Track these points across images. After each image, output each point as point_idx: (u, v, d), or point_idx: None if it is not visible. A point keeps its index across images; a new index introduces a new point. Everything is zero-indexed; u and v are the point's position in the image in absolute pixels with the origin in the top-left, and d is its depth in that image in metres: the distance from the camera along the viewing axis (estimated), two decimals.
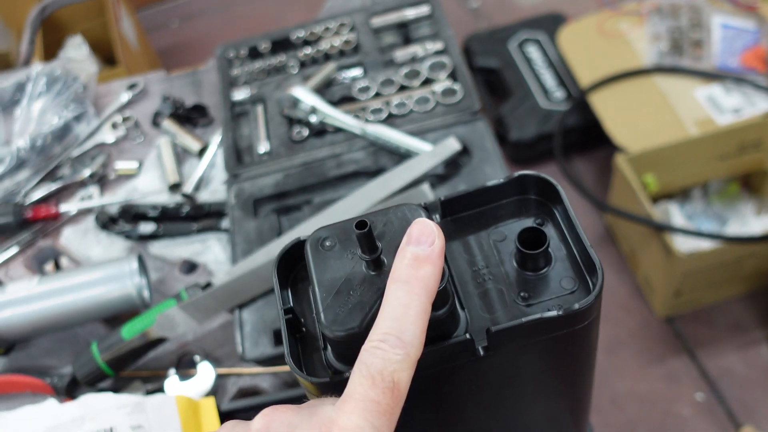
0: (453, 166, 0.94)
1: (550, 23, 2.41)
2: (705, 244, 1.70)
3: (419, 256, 0.40)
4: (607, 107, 1.97)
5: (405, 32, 1.15)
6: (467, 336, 0.46)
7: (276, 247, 0.87)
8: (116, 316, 0.93)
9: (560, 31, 2.21)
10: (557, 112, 2.17)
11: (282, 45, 1.17)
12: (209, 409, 0.79)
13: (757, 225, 1.84)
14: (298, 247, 0.50)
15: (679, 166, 1.86)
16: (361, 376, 0.38)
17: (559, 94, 2.24)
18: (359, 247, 0.45)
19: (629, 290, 1.97)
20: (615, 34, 2.13)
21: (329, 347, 0.46)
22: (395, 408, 0.38)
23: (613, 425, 1.77)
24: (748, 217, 1.89)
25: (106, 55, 2.26)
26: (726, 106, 1.91)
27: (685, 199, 1.95)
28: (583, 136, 2.16)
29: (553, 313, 0.46)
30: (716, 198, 1.95)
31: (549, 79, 2.28)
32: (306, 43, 1.16)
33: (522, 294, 0.50)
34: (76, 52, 1.21)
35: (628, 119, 1.94)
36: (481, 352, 0.48)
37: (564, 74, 2.26)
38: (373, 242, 0.44)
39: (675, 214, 1.86)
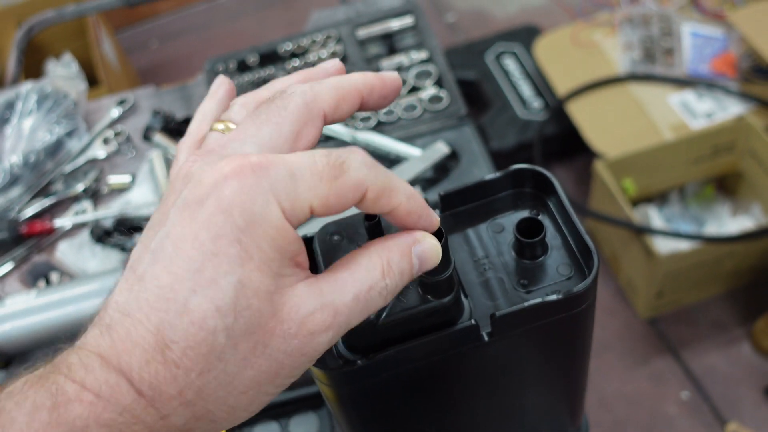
0: (442, 169, 0.96)
1: (526, 35, 2.46)
2: (684, 245, 1.74)
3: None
4: (584, 115, 2.01)
5: (390, 43, 1.18)
6: (472, 321, 0.48)
7: None
8: None
9: (536, 43, 2.26)
10: (535, 122, 2.22)
11: (270, 58, 1.19)
12: None
13: (733, 225, 1.90)
14: (305, 243, 0.52)
15: (656, 170, 1.91)
16: (322, 149, 0.38)
17: (536, 103, 2.29)
18: (368, 239, 0.47)
19: (612, 293, 2.01)
20: (589, 45, 2.18)
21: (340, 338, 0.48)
22: (324, 182, 0.36)
23: (602, 426, 1.79)
24: (725, 218, 1.94)
25: (87, 75, 2.26)
26: (699, 111, 1.97)
27: (663, 203, 2.00)
28: (562, 144, 2.21)
29: (554, 296, 0.48)
30: (693, 200, 2.00)
31: (526, 89, 2.33)
32: (293, 55, 1.19)
33: (522, 281, 0.52)
34: (65, 69, 1.22)
35: (605, 126, 1.99)
36: (486, 338, 0.50)
37: (541, 84, 2.31)
38: (382, 233, 0.46)
39: (654, 217, 1.91)
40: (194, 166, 0.37)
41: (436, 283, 0.45)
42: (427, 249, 0.42)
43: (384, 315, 0.45)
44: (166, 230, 0.34)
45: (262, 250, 0.34)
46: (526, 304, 0.48)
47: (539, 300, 0.48)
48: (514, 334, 0.51)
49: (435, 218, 0.43)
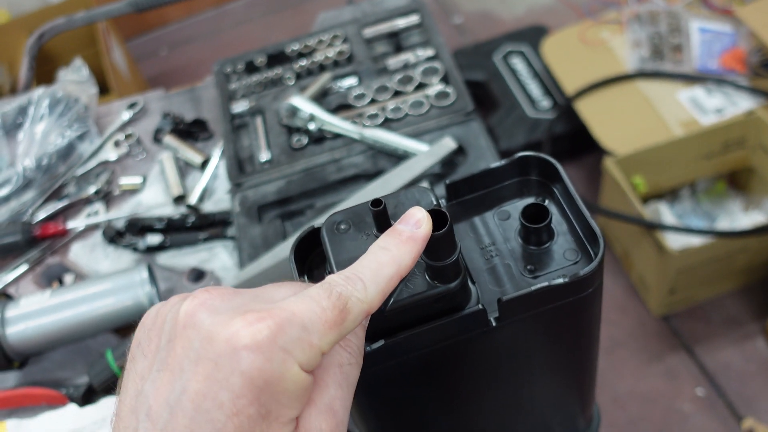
0: (449, 165, 0.97)
1: (533, 35, 2.46)
2: (696, 241, 1.73)
3: (403, 233, 0.43)
4: (593, 113, 2.01)
5: (396, 41, 1.18)
6: (480, 306, 0.48)
7: (282, 250, 0.89)
8: (127, 326, 0.94)
9: (543, 42, 2.26)
10: (545, 121, 2.22)
11: (277, 58, 1.20)
12: None
13: (745, 221, 1.88)
14: (312, 235, 0.53)
15: (667, 167, 1.90)
16: (321, 287, 0.39)
17: (545, 102, 2.28)
18: (374, 227, 0.47)
19: (624, 290, 2.00)
20: (597, 43, 2.18)
21: None
22: (334, 330, 0.38)
23: (616, 425, 1.78)
24: (736, 213, 1.93)
25: (97, 83, 2.28)
26: (708, 107, 1.96)
27: (674, 199, 1.99)
28: (571, 142, 2.21)
29: (560, 280, 0.48)
30: (704, 196, 1.99)
31: (535, 89, 2.33)
32: (301, 55, 1.19)
33: (528, 267, 0.52)
34: (76, 74, 1.24)
35: (615, 123, 1.98)
36: (493, 323, 0.50)
37: (549, 83, 2.31)
38: (387, 220, 0.47)
39: (665, 213, 1.90)
40: (208, 316, 0.37)
41: (442, 268, 0.46)
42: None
43: (391, 301, 0.46)
44: (182, 384, 0.35)
45: (280, 403, 0.36)
46: (533, 288, 0.48)
47: (545, 284, 0.48)
48: (521, 319, 0.51)
49: (414, 253, 0.43)
